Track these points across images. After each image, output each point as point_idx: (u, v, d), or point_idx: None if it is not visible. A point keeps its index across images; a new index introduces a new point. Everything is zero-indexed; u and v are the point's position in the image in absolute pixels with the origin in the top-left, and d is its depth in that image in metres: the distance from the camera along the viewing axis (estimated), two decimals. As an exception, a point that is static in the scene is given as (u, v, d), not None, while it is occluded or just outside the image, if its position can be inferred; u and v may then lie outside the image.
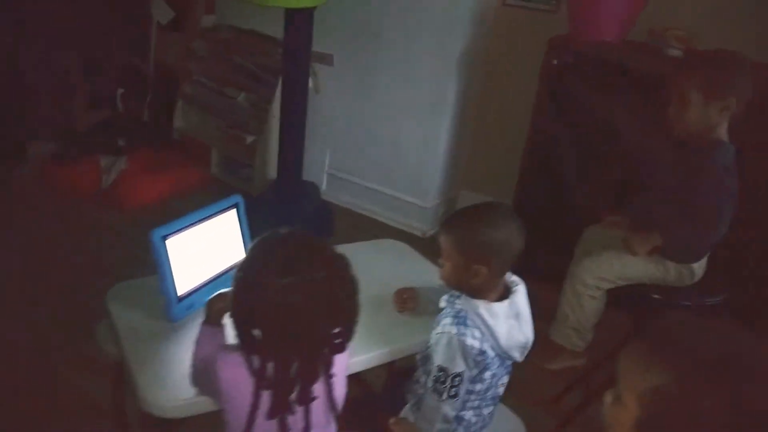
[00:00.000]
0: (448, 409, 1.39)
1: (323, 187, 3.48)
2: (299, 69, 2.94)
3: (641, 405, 0.81)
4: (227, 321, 1.26)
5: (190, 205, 3.39)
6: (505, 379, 1.48)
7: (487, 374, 1.41)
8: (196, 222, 1.53)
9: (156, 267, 1.43)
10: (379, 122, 3.26)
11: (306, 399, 1.10)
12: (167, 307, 1.46)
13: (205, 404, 1.25)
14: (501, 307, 1.39)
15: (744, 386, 0.76)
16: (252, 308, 1.06)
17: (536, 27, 2.87)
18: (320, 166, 3.48)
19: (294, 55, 2.91)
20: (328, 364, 1.10)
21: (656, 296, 1.75)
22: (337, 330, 1.09)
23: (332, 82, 3.29)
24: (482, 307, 1.37)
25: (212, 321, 1.26)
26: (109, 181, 3.29)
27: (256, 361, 1.06)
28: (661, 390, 0.79)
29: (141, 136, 3.65)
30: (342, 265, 1.10)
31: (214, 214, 1.58)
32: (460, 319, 1.38)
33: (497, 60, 3.05)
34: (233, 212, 1.64)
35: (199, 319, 1.47)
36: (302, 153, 3.09)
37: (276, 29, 3.27)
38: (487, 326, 1.37)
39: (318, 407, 1.13)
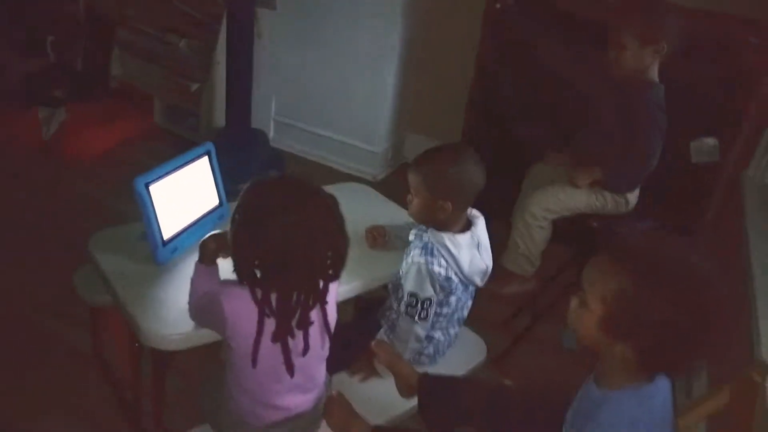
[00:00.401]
0: (420, 329, 1.56)
1: (271, 134, 3.51)
2: (244, 13, 2.93)
3: (605, 306, 0.97)
4: (220, 260, 1.36)
5: (138, 155, 3.38)
6: (469, 303, 1.65)
7: (453, 298, 1.57)
8: (173, 170, 1.58)
9: (141, 213, 1.49)
10: (325, 67, 3.29)
11: (305, 324, 1.22)
12: (153, 251, 1.53)
13: (204, 336, 1.36)
14: (464, 238, 1.54)
15: (687, 287, 0.93)
16: (255, 247, 1.16)
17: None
18: (267, 113, 3.50)
19: (238, -1, 2.89)
20: (324, 292, 1.23)
21: (595, 224, 1.95)
22: (330, 261, 1.20)
23: (275, 27, 3.28)
24: (447, 238, 1.52)
25: (206, 261, 1.34)
26: (50, 133, 3.22)
27: (259, 293, 1.17)
28: (621, 292, 0.95)
29: (78, 86, 3.54)
30: (332, 202, 1.20)
31: (188, 161, 1.64)
32: (427, 250, 1.53)
33: (441, 2, 3.13)
34: (206, 159, 1.70)
35: (184, 262, 1.56)
36: (250, 100, 3.11)
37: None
38: (452, 255, 1.52)
39: (314, 330, 1.26)
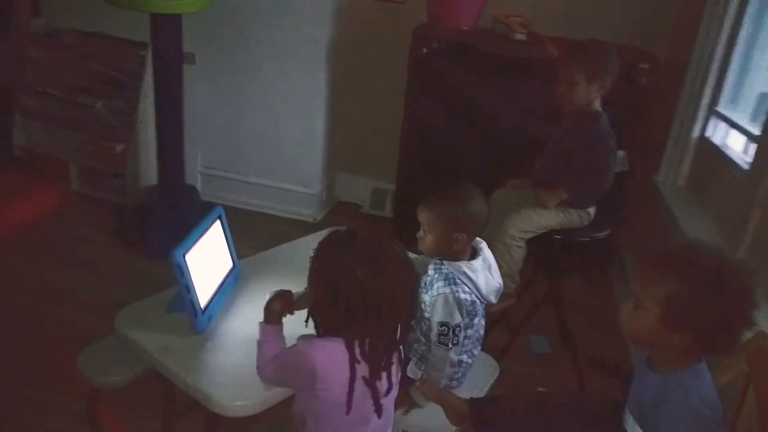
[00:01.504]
0: (453, 355, 1.69)
1: (199, 187, 3.48)
2: (172, 71, 2.91)
3: (660, 306, 1.18)
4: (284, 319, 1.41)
5: (63, 226, 3.21)
6: (483, 322, 1.82)
7: (477, 319, 1.73)
8: (198, 238, 1.60)
9: (180, 284, 1.49)
10: (253, 116, 3.34)
11: (389, 365, 1.32)
12: (193, 321, 1.53)
13: (277, 395, 1.39)
14: (477, 263, 1.72)
15: (727, 282, 1.16)
16: (344, 299, 1.23)
17: (389, 16, 3.19)
18: (193, 167, 3.46)
19: (165, 57, 2.87)
20: (406, 332, 1.33)
21: (558, 237, 2.21)
22: (410, 303, 1.31)
23: (197, 81, 3.27)
24: (465, 266, 1.69)
25: (273, 321, 1.39)
26: (-40, 212, 2.97)
27: (352, 341, 1.26)
28: (674, 292, 1.16)
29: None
30: (404, 250, 1.32)
31: (207, 228, 1.66)
32: (450, 281, 1.68)
33: (363, 48, 3.29)
34: (218, 223, 1.73)
35: (221, 327, 1.59)
36: (182, 156, 3.08)
37: (126, 30, 3.17)
38: (472, 281, 1.69)
39: (393, 369, 1.35)
